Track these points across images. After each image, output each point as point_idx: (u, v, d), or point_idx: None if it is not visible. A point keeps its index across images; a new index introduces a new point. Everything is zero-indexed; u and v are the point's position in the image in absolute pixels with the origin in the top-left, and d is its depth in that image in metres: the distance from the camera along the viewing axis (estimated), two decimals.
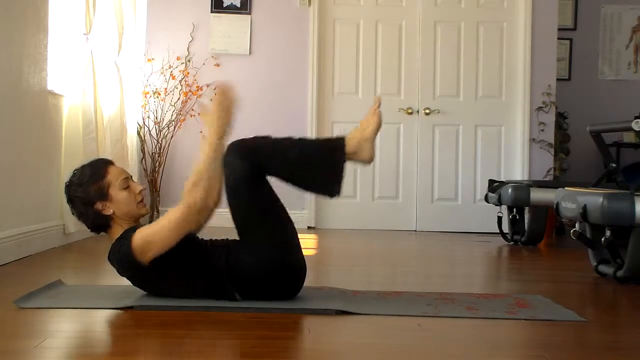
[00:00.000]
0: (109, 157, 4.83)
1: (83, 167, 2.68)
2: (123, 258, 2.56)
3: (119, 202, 2.61)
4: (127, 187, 2.64)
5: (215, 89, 2.62)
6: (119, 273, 2.65)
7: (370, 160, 2.68)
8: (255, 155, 2.60)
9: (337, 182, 2.61)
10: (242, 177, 2.56)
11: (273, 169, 2.61)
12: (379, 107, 2.69)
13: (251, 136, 2.68)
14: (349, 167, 2.67)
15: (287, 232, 2.66)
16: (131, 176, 2.73)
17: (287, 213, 2.68)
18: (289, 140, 2.67)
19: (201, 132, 5.92)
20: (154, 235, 2.50)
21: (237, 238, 2.65)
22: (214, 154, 2.56)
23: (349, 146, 2.64)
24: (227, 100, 2.59)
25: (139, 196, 2.66)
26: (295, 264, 2.66)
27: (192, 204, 2.50)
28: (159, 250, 2.51)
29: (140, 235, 2.51)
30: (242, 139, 2.65)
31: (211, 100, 2.61)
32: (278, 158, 2.60)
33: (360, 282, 3.52)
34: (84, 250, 4.28)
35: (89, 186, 2.60)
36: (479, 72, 6.34)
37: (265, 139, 2.66)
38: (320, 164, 2.61)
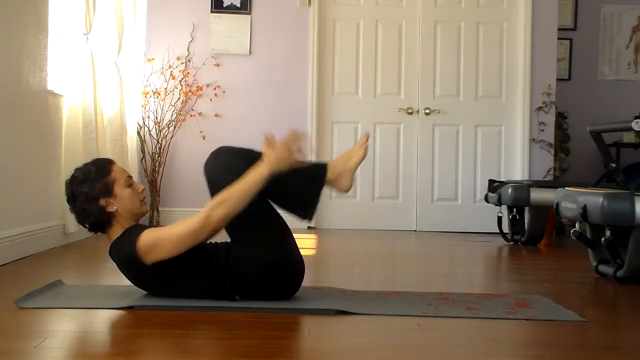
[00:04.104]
0: (109, 158, 4.89)
1: (86, 164, 2.68)
2: (124, 258, 2.56)
3: (123, 198, 2.62)
4: (130, 185, 2.67)
5: (290, 133, 2.56)
6: (120, 270, 2.66)
7: (346, 190, 2.77)
8: (250, 158, 2.62)
9: (313, 207, 2.69)
10: (238, 175, 2.55)
11: None
12: (367, 141, 2.77)
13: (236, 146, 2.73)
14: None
15: (281, 231, 2.68)
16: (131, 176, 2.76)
17: (277, 212, 2.69)
18: None
19: (201, 132, 6.00)
20: (163, 240, 2.51)
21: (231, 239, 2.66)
22: (257, 184, 2.52)
23: (330, 173, 2.72)
24: (295, 147, 2.55)
25: (141, 195, 2.69)
26: (292, 262, 2.66)
27: (211, 220, 2.49)
28: (164, 255, 2.51)
29: (149, 237, 2.51)
30: (230, 146, 2.70)
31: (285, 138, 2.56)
32: None
33: (360, 282, 3.52)
34: (84, 250, 4.28)
35: (94, 182, 2.60)
36: (479, 72, 6.34)
37: (252, 151, 2.70)
38: (300, 187, 2.66)
